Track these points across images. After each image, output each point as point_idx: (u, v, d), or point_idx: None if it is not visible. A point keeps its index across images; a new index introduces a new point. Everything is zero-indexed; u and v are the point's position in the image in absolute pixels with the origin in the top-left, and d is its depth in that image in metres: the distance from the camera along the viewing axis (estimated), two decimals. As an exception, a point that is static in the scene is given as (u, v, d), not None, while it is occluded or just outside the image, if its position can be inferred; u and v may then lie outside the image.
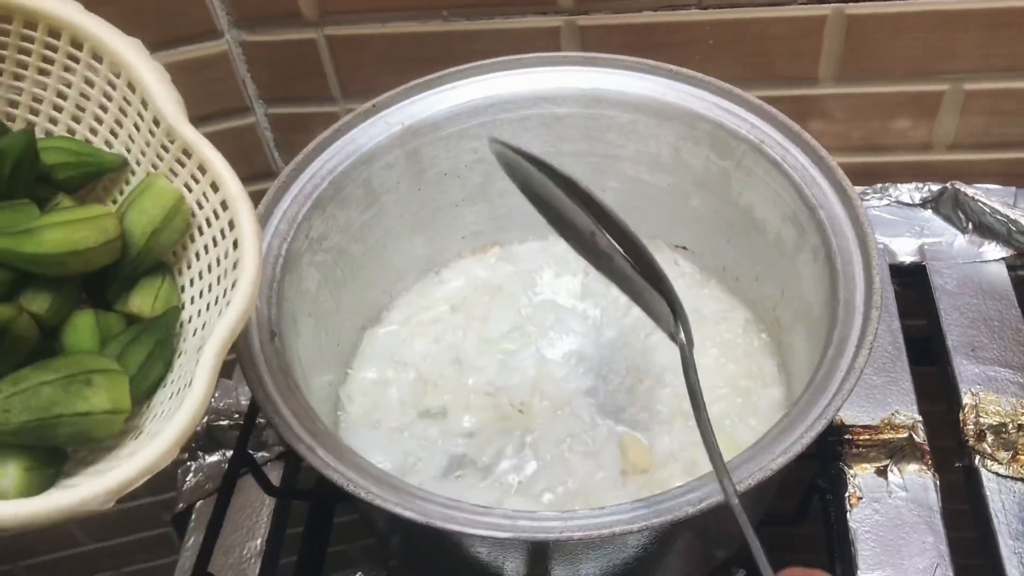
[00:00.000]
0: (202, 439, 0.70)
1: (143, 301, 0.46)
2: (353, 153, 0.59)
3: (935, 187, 0.77)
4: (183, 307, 0.47)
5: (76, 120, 0.50)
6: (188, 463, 0.70)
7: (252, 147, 0.83)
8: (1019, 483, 0.61)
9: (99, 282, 0.47)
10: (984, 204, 0.74)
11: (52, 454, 0.41)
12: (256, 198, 0.53)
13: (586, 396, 0.64)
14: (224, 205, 0.45)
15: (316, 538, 0.69)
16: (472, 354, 0.67)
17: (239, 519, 0.64)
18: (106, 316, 0.46)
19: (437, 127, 0.62)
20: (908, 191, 0.78)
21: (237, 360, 0.50)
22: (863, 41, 0.72)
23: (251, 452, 0.66)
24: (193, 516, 0.66)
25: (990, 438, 0.62)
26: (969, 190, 0.75)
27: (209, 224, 0.47)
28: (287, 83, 0.80)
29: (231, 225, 0.45)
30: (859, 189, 0.78)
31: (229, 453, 0.68)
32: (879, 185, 0.78)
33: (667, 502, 0.43)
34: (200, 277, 0.47)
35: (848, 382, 0.47)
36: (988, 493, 0.61)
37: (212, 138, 0.80)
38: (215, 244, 0.46)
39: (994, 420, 0.63)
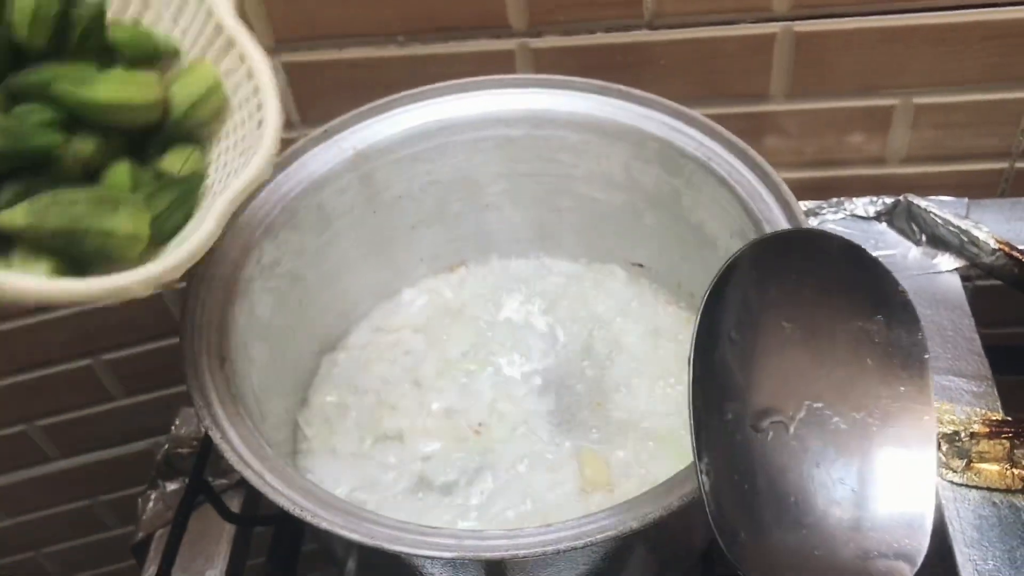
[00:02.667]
0: (162, 467, 0.70)
1: (173, 162, 0.52)
2: (305, 178, 0.60)
3: (889, 200, 0.78)
4: (207, 176, 0.52)
5: (145, 6, 0.54)
6: (148, 492, 0.69)
7: (213, 174, 0.84)
8: (973, 491, 0.62)
9: (140, 142, 0.52)
10: (936, 216, 0.75)
11: (78, 266, 0.46)
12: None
13: (545, 414, 0.64)
14: (256, 91, 0.50)
15: (281, 565, 0.68)
16: (432, 376, 0.67)
17: (199, 547, 0.64)
18: (140, 170, 0.51)
19: (389, 151, 0.62)
20: (863, 205, 0.79)
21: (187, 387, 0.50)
22: (812, 58, 0.74)
23: (211, 479, 0.66)
24: (153, 545, 0.66)
25: (944, 447, 0.63)
26: (922, 202, 0.76)
27: (240, 108, 0.52)
28: (246, 110, 0.80)
29: (259, 109, 0.50)
30: (814, 203, 0.79)
31: (190, 481, 0.68)
32: (834, 199, 0.79)
33: (612, 518, 0.44)
34: (226, 152, 0.52)
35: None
36: (943, 502, 0.61)
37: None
38: (243, 125, 0.51)
39: (948, 429, 0.64)
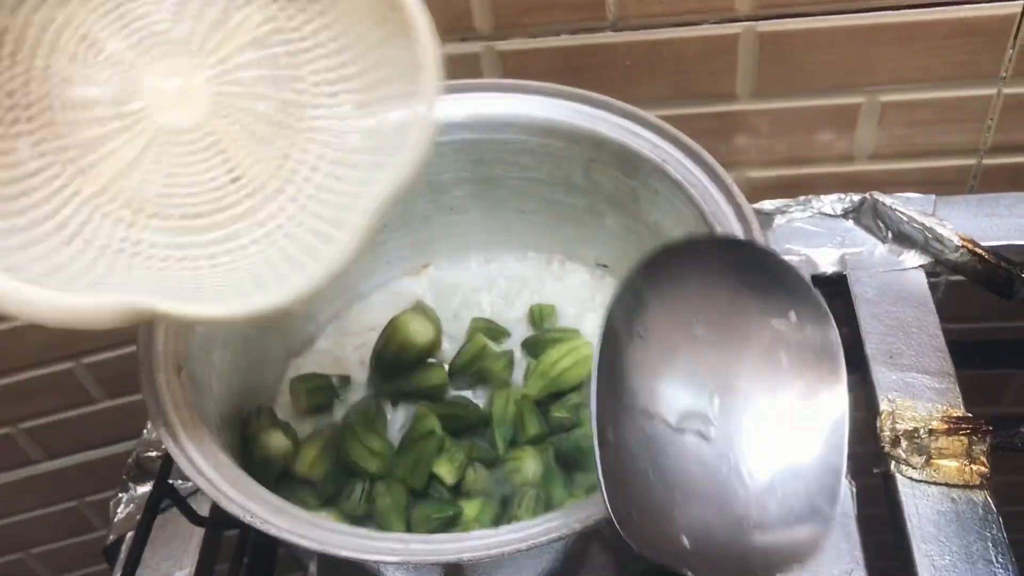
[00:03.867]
0: (132, 470, 0.70)
1: None
2: None
3: (856, 198, 0.78)
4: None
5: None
6: (119, 494, 0.70)
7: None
8: (932, 487, 0.62)
9: None
10: (902, 213, 0.75)
11: None
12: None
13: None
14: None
15: (253, 569, 0.69)
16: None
17: (168, 549, 0.64)
18: None
19: None
20: (830, 202, 0.79)
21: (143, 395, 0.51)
22: (777, 57, 0.74)
23: (180, 483, 0.67)
24: (123, 548, 0.67)
25: (904, 443, 0.64)
26: (888, 200, 0.76)
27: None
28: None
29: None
30: (782, 202, 0.80)
31: (163, 484, 0.69)
32: (802, 198, 0.80)
33: (558, 520, 0.44)
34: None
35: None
36: (903, 498, 0.62)
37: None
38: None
39: (909, 426, 0.64)
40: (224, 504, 0.45)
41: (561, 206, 0.67)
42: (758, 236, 0.54)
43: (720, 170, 0.57)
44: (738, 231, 0.55)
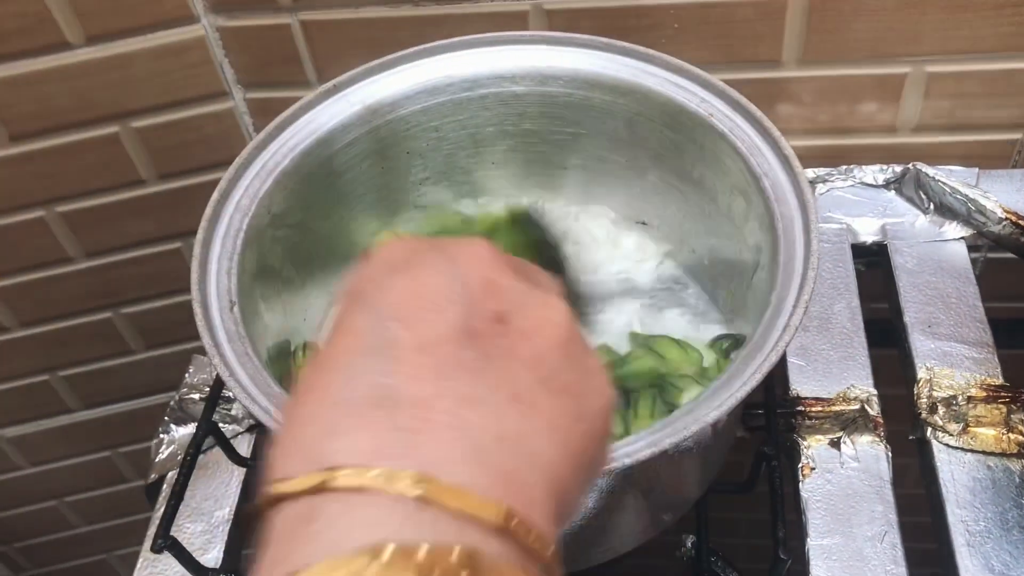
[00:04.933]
0: (176, 412, 0.72)
1: None
2: (314, 132, 0.61)
3: (898, 168, 0.78)
4: None
5: None
6: (161, 436, 0.71)
7: (231, 131, 0.85)
8: (968, 454, 0.62)
9: None
10: (945, 184, 0.75)
11: None
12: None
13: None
14: None
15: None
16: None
17: (208, 489, 0.66)
18: None
19: (397, 106, 0.63)
20: (872, 172, 0.79)
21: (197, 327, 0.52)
22: (824, 24, 0.74)
23: (221, 424, 0.68)
24: (164, 486, 0.68)
25: (941, 411, 0.64)
26: (930, 171, 0.76)
27: None
28: (264, 68, 0.82)
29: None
30: (824, 171, 0.80)
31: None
32: (844, 167, 0.80)
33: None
34: None
35: (783, 339, 0.48)
36: (939, 464, 0.62)
37: (191, 123, 0.84)
38: None
39: (946, 393, 0.64)
40: (275, 428, 0.46)
41: (604, 163, 0.67)
42: (805, 187, 0.54)
43: (768, 123, 0.57)
44: (783, 181, 0.55)
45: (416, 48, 0.63)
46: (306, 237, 0.63)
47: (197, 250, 0.54)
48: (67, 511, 1.23)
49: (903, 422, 0.66)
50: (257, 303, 0.56)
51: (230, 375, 0.48)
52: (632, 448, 0.45)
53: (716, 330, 0.66)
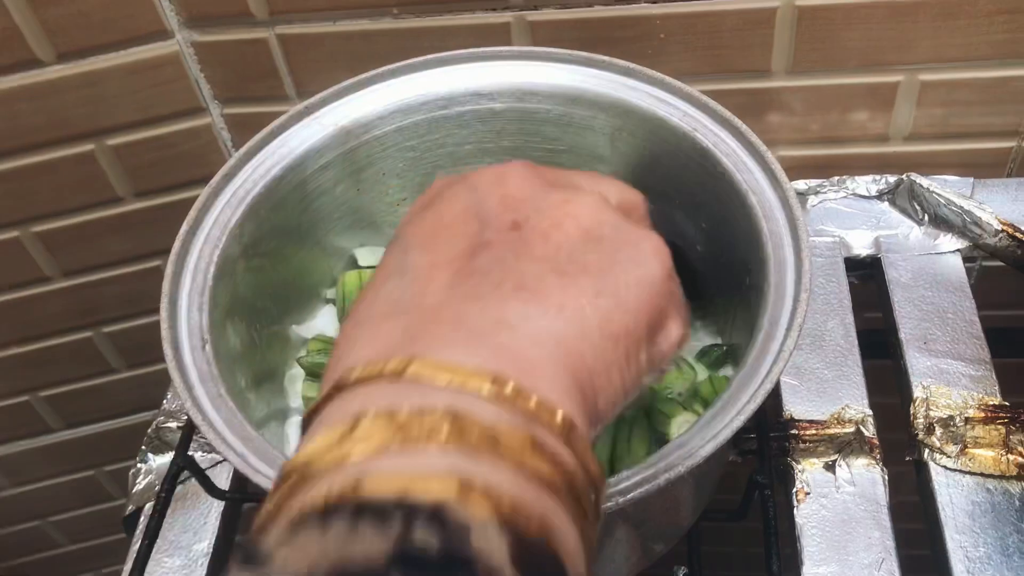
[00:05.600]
0: (153, 440, 0.70)
1: None
2: (286, 156, 0.58)
3: (892, 179, 0.76)
4: None
5: None
6: (138, 465, 0.69)
7: (209, 148, 0.83)
8: (967, 476, 0.61)
9: None
10: (939, 195, 0.73)
11: None
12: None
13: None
14: None
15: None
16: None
17: (187, 520, 0.64)
18: None
19: (372, 126, 0.61)
20: (865, 183, 0.77)
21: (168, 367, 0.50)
22: (815, 33, 0.72)
23: (200, 454, 0.66)
24: (141, 519, 0.66)
25: (939, 431, 0.62)
26: (924, 181, 0.74)
27: None
28: (242, 83, 0.80)
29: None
30: (815, 182, 0.78)
31: (182, 455, 0.68)
32: (836, 178, 0.78)
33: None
34: None
35: (777, 366, 0.47)
36: (936, 487, 0.61)
37: (168, 139, 0.82)
38: None
39: (944, 413, 0.63)
40: (255, 478, 0.44)
41: None
42: (794, 203, 0.52)
43: (753, 137, 0.55)
44: (771, 198, 0.54)
45: (390, 66, 0.62)
46: (281, 265, 0.61)
47: (166, 286, 0.52)
48: (51, 530, 1.21)
49: (899, 430, 0.65)
50: (230, 338, 0.54)
51: (203, 420, 0.46)
52: (625, 486, 0.43)
53: (704, 339, 0.64)
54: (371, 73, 0.61)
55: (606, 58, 0.60)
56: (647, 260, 0.32)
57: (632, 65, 0.60)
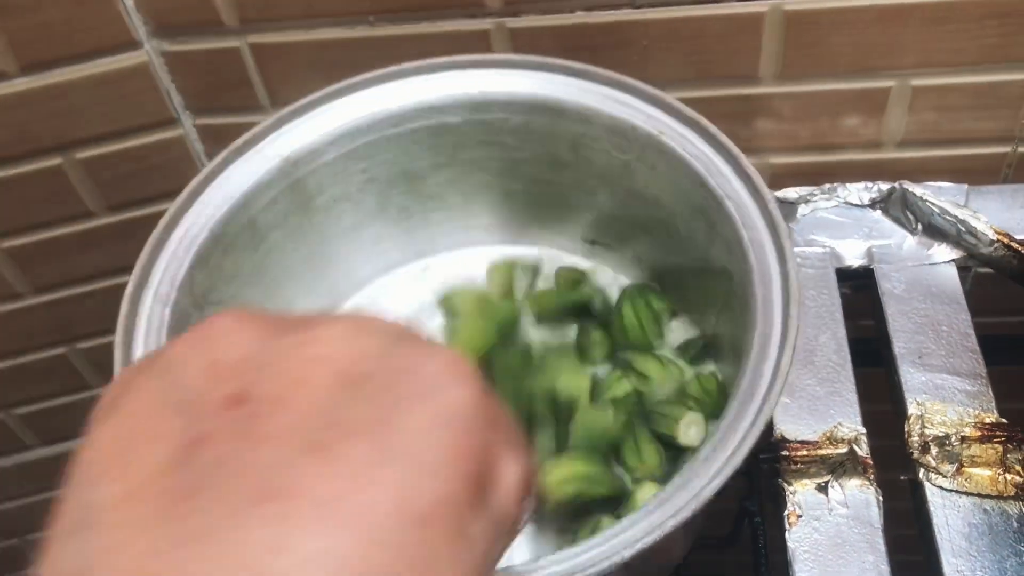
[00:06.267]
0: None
1: None
2: (231, 195, 0.56)
3: (884, 187, 0.74)
4: None
5: None
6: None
7: (182, 159, 0.81)
8: (963, 497, 0.59)
9: None
10: (933, 204, 0.71)
11: None
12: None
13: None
14: None
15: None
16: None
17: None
18: None
19: (319, 153, 0.58)
20: (857, 192, 0.75)
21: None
22: (804, 38, 0.70)
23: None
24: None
25: (934, 450, 0.60)
26: (918, 190, 0.72)
27: None
28: (215, 93, 0.77)
29: None
30: (806, 190, 0.76)
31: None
32: (827, 186, 0.76)
33: (594, 550, 0.41)
34: None
35: (774, 390, 0.45)
36: (932, 508, 0.59)
37: (139, 151, 0.79)
38: None
39: (939, 431, 0.61)
40: None
41: (548, 185, 0.63)
42: (771, 204, 0.50)
43: (724, 139, 0.53)
44: (749, 204, 0.52)
45: (335, 86, 0.59)
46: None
47: (117, 353, 0.49)
48: (30, 549, 1.19)
49: (894, 437, 0.63)
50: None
51: None
52: (630, 535, 0.41)
53: (683, 332, 0.63)
54: (310, 98, 0.59)
55: (562, 61, 0.58)
56: (440, 387, 0.23)
57: (590, 68, 0.57)
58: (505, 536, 0.24)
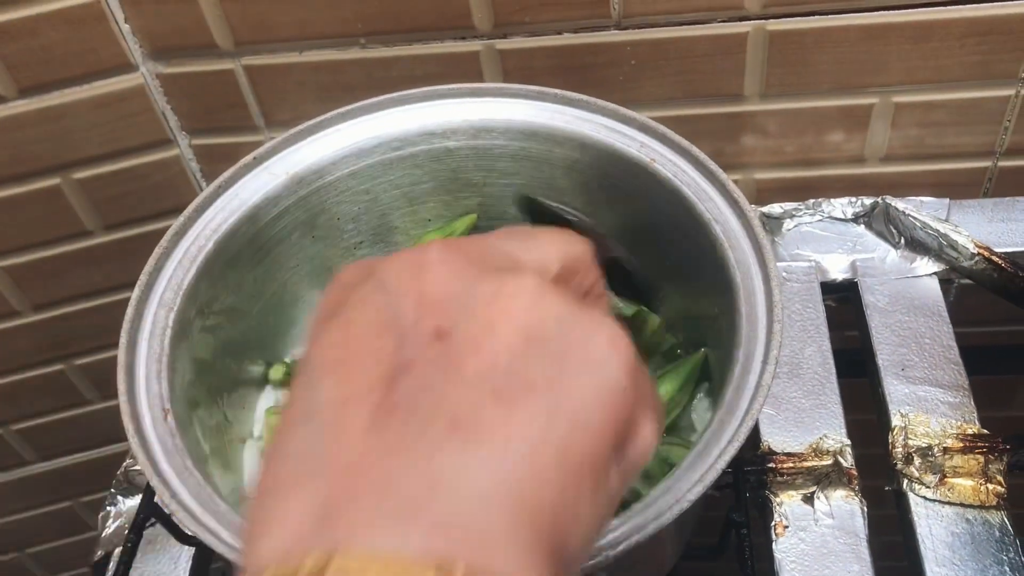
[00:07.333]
0: (122, 483, 0.68)
1: None
2: (238, 209, 0.57)
3: (867, 201, 0.76)
4: None
5: None
6: (108, 508, 0.68)
7: (178, 179, 0.82)
8: (946, 507, 0.60)
9: None
10: (915, 219, 0.73)
11: None
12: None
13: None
14: None
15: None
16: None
17: (157, 566, 0.63)
18: None
19: (324, 173, 0.59)
20: (840, 206, 0.77)
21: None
22: (787, 57, 0.71)
23: (169, 497, 0.65)
24: (111, 565, 0.65)
25: (917, 461, 0.61)
26: (900, 204, 0.74)
27: None
28: (210, 114, 0.79)
29: None
30: (791, 205, 0.77)
31: (152, 497, 0.67)
32: (811, 201, 0.77)
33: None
34: None
35: (756, 401, 0.46)
36: (916, 518, 0.60)
37: (135, 172, 0.80)
38: None
39: (922, 442, 0.62)
40: (226, 554, 0.43)
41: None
42: (758, 228, 0.51)
43: (713, 166, 0.54)
44: (735, 227, 0.53)
45: (341, 110, 0.60)
46: (239, 322, 0.59)
47: (121, 357, 0.50)
48: (29, 563, 1.20)
49: (878, 445, 0.64)
50: (193, 403, 0.53)
51: (172, 497, 0.45)
52: (614, 537, 0.42)
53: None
54: (321, 118, 0.60)
55: (559, 91, 0.59)
56: (603, 360, 0.27)
57: (586, 97, 0.59)
58: (631, 481, 0.29)
